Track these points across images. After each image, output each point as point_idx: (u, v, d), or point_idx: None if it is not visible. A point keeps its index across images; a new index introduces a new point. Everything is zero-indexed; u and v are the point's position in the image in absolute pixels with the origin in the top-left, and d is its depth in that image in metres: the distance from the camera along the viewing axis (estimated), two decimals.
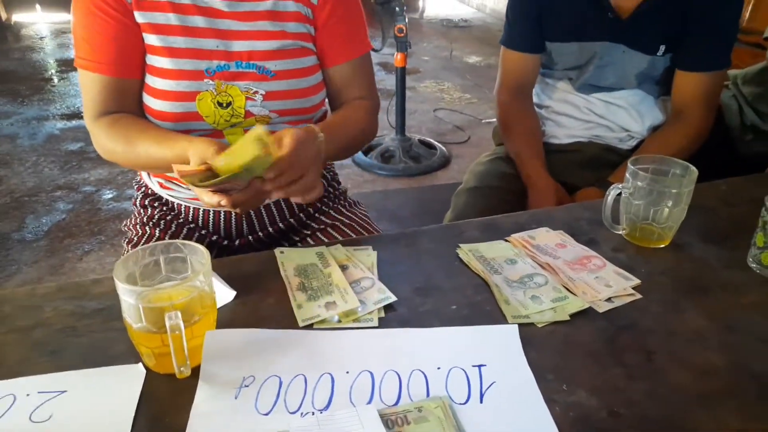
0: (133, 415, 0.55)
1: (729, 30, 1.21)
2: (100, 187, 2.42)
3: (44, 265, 1.92)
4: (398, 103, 2.79)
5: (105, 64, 0.88)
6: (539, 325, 0.68)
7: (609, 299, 0.73)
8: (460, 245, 0.83)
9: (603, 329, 0.68)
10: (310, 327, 0.67)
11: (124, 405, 0.56)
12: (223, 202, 0.74)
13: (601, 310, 0.71)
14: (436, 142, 2.98)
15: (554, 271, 0.78)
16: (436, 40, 4.96)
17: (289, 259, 0.79)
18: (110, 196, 2.36)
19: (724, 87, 1.60)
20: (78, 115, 3.15)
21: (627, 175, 0.84)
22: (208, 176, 0.73)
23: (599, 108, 1.30)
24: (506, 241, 0.86)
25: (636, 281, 0.76)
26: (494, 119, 3.35)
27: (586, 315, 0.71)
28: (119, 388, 0.59)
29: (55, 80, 3.70)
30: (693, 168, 0.83)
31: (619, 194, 0.85)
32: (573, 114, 1.33)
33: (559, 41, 1.27)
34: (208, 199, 0.75)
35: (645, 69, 1.24)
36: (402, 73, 2.72)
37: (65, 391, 0.58)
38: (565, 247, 0.84)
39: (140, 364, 0.61)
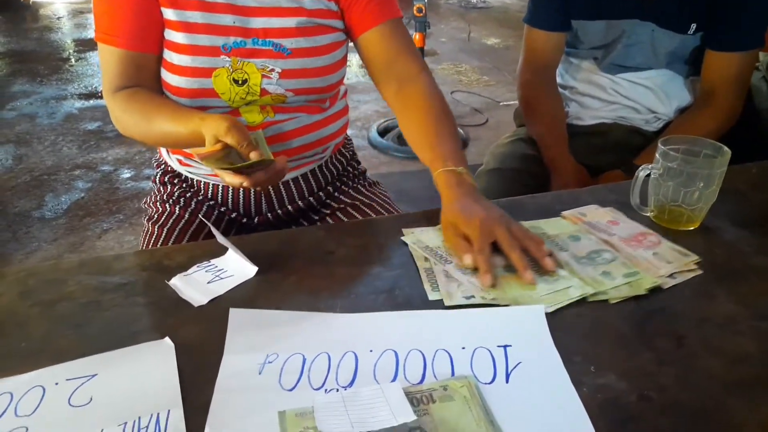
0: (179, 389, 0.55)
1: (763, 8, 1.16)
2: (118, 167, 2.43)
3: (64, 242, 1.94)
4: None
5: (124, 38, 0.87)
6: (612, 302, 0.68)
7: (671, 275, 0.72)
8: (521, 222, 0.78)
9: (631, 313, 0.67)
10: (334, 310, 0.66)
11: (166, 380, 0.56)
12: (245, 183, 0.75)
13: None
14: None
15: (614, 248, 0.77)
16: (454, 21, 4.89)
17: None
18: (128, 175, 2.37)
19: (755, 69, 1.55)
20: (96, 95, 3.16)
21: (657, 155, 0.82)
22: (224, 154, 0.75)
23: (625, 89, 1.27)
24: (563, 218, 0.84)
25: (696, 257, 0.75)
26: (512, 102, 3.31)
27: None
28: (154, 364, 0.58)
29: (73, 60, 3.71)
30: (726, 149, 0.80)
31: (648, 176, 0.83)
32: (598, 95, 1.30)
33: (585, 19, 1.24)
34: (230, 179, 0.76)
35: (675, 48, 1.20)
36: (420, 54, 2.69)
37: (96, 374, 0.57)
38: (618, 224, 0.83)
39: (167, 339, 0.61)
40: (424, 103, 0.92)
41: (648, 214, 0.85)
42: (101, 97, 3.14)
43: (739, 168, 1.00)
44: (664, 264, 0.74)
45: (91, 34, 4.27)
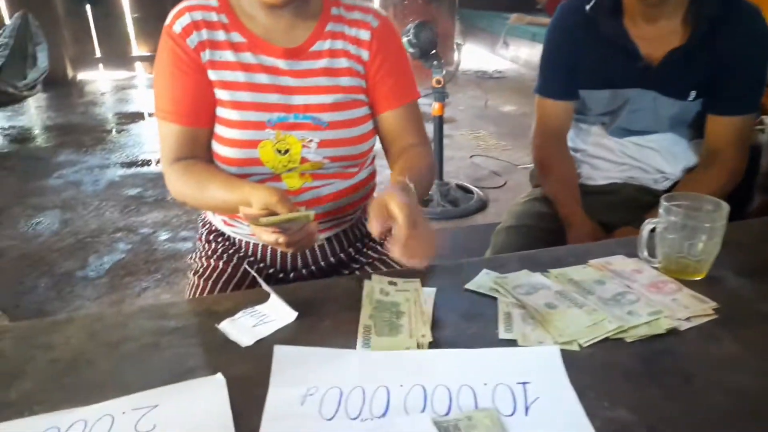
0: (231, 417, 0.62)
1: (758, 75, 1.26)
2: (156, 229, 2.58)
3: (106, 300, 2.05)
4: (436, 149, 2.90)
5: (182, 115, 0.99)
6: (628, 340, 0.74)
7: (688, 319, 0.78)
8: (549, 270, 0.89)
9: (641, 353, 0.72)
10: (367, 347, 0.73)
11: (220, 410, 0.63)
12: (281, 240, 0.84)
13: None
14: (473, 187, 3.05)
15: (636, 292, 0.84)
16: (471, 90, 5.12)
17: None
18: (166, 237, 2.51)
19: (761, 131, 1.64)
20: (136, 163, 3.38)
21: (660, 211, 0.89)
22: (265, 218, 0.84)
23: (633, 151, 1.35)
24: (589, 266, 0.92)
25: (713, 303, 0.81)
26: (529, 165, 3.41)
27: (623, 341, 0.75)
28: (208, 396, 0.65)
29: (115, 132, 3.99)
30: (724, 204, 0.87)
31: (653, 230, 0.90)
32: (608, 157, 1.38)
33: (591, 89, 1.34)
34: (266, 237, 0.84)
35: (676, 114, 1.29)
36: (440, 122, 2.84)
37: (157, 405, 0.64)
38: (642, 272, 0.90)
39: (219, 374, 0.68)
40: (414, 155, 1.04)
41: (657, 266, 0.91)
42: (141, 165, 3.35)
43: (741, 223, 1.07)
44: (682, 309, 0.80)
45: (131, 108, 4.59)
